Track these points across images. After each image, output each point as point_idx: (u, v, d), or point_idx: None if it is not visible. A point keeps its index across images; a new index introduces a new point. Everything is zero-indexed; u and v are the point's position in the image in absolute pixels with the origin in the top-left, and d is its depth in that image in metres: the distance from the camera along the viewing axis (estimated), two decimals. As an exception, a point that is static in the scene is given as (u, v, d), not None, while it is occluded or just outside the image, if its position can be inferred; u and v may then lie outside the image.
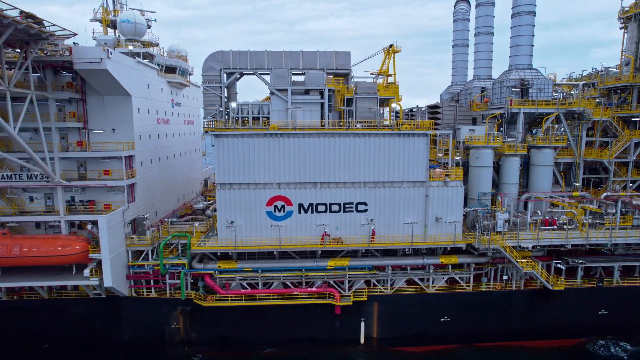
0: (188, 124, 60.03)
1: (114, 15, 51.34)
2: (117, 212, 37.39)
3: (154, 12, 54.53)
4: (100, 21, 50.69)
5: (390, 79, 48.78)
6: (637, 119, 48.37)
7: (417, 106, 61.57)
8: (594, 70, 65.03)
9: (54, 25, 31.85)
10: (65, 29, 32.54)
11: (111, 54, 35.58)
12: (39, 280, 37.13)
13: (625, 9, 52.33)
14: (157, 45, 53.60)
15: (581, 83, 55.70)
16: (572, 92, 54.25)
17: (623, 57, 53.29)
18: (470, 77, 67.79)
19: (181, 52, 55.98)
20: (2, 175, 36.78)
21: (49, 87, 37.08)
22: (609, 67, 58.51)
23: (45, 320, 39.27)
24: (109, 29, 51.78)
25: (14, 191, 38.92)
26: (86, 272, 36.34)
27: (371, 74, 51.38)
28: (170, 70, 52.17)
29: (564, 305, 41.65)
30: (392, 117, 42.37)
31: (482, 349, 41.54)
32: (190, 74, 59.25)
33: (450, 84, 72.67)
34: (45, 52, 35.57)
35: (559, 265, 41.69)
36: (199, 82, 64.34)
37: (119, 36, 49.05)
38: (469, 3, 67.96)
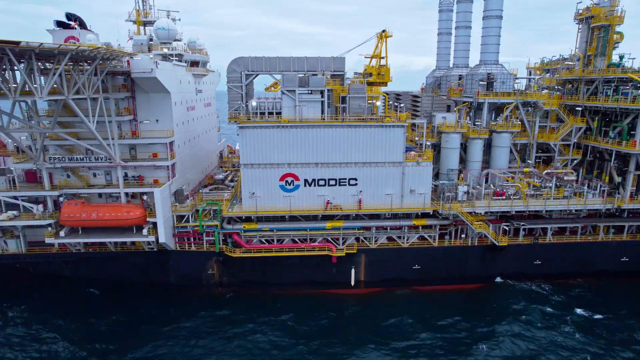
0: (207, 107, 69.91)
1: (145, 16, 60.07)
2: (165, 186, 48.45)
3: (178, 12, 63.32)
4: (134, 22, 59.59)
5: (383, 62, 58.15)
6: (580, 108, 58.76)
7: (401, 96, 71.48)
8: (560, 57, 74.67)
9: (126, 53, 41.70)
10: (131, 53, 42.34)
11: (158, 64, 45.42)
12: (109, 237, 48.80)
13: (580, 11, 61.25)
14: (181, 40, 62.74)
15: (537, 77, 65.48)
16: (530, 83, 64.28)
17: (576, 54, 62.93)
18: (452, 64, 76.97)
19: (201, 46, 65.18)
20: (76, 157, 47.66)
21: (110, 89, 47.14)
22: (570, 62, 67.94)
23: (112, 267, 51.26)
24: (140, 27, 60.71)
25: (83, 170, 49.87)
26: (144, 231, 48.09)
27: (365, 57, 61.03)
28: (194, 63, 61.60)
29: (507, 257, 53.28)
30: (378, 110, 52.39)
31: (440, 291, 53.27)
32: (207, 62, 68.53)
33: (434, 68, 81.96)
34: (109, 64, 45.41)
35: (505, 227, 53.58)
36: (212, 63, 73.58)
37: (150, 35, 58.05)
38: (453, -5, 75.85)
